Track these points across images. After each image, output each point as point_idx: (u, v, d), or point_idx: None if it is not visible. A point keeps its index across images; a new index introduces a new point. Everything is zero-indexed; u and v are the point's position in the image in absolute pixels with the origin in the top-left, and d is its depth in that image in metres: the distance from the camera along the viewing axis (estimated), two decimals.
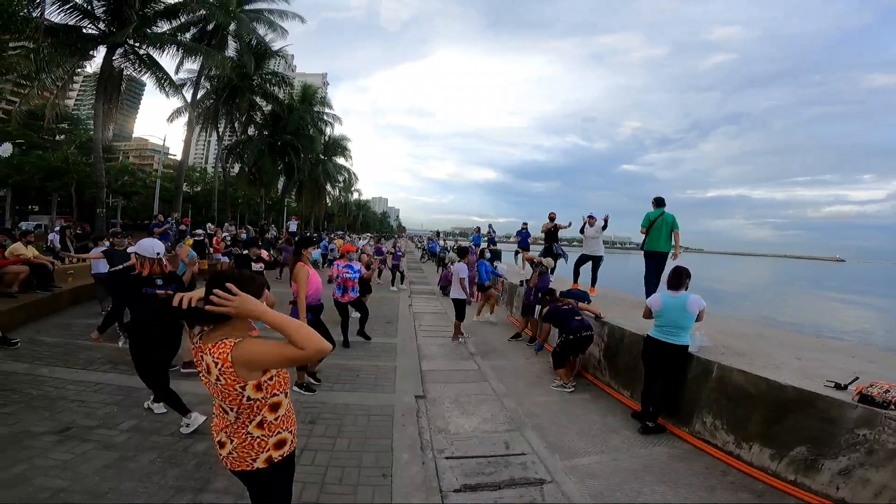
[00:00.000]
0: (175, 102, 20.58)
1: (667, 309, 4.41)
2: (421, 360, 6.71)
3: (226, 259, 13.46)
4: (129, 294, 4.01)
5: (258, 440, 1.77)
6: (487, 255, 12.78)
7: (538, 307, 7.41)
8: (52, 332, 6.66)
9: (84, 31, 16.16)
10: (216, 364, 1.64)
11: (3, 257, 7.18)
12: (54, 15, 14.91)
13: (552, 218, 10.91)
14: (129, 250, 5.63)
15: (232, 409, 1.72)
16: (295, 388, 5.04)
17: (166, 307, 4.08)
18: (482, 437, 4.31)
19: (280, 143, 30.84)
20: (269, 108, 29.57)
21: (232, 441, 1.76)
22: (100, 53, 16.96)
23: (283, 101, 29.69)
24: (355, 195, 49.95)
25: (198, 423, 3.98)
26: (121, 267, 5.31)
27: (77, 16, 15.73)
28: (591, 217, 8.63)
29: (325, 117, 36.51)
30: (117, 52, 17.24)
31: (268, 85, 27.88)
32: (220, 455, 1.81)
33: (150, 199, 32.21)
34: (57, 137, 33.64)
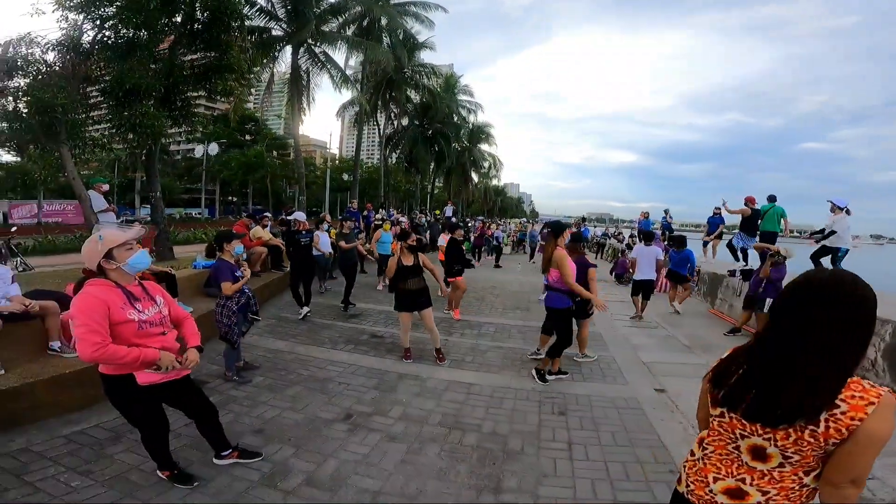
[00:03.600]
0: (341, 98, 21.92)
1: None
2: (636, 350, 6.20)
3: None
4: (291, 241, 7.07)
5: (807, 489, 1.23)
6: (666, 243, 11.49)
7: (768, 300, 6.51)
8: (290, 310, 7.22)
9: (272, 32, 17.70)
10: (844, 408, 1.12)
11: (250, 240, 8.00)
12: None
13: (751, 202, 9.37)
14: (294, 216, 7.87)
15: (788, 457, 1.20)
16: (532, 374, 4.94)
17: (307, 251, 7.09)
18: None
19: (431, 131, 31.75)
20: (418, 98, 30.40)
21: (766, 492, 1.24)
22: (284, 54, 18.50)
23: (434, 91, 30.36)
24: (494, 181, 49.99)
25: (305, 311, 6.89)
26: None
27: (265, 18, 17.23)
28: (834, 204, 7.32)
29: (467, 105, 36.65)
30: (300, 50, 18.65)
31: (418, 76, 28.60)
32: None
33: (319, 189, 35.60)
34: (246, 137, 38.88)
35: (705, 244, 12.67)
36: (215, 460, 3.06)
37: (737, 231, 9.82)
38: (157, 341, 2.48)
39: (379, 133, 29.83)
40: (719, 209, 11.59)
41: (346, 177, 46.53)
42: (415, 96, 30.22)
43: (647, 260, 7.95)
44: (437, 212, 25.99)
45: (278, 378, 4.70)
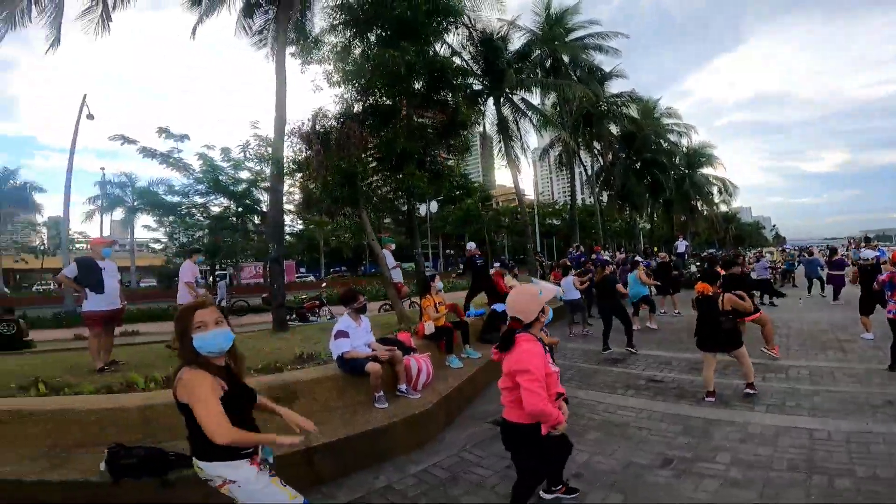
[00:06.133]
0: (534, 144, 22.56)
1: None
2: None
3: None
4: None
5: None
6: None
7: None
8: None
9: (474, 87, 18.80)
10: None
11: (504, 287, 8.88)
12: None
13: None
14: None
15: None
16: None
17: (483, 270, 9.35)
18: None
19: (640, 163, 30.58)
20: (618, 130, 29.62)
21: None
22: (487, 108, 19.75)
23: (637, 120, 29.37)
24: (722, 207, 44.76)
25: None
26: None
27: (465, 75, 18.68)
28: None
29: (675, 129, 34.23)
30: (501, 100, 19.74)
31: (615, 107, 28.06)
32: None
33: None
34: (456, 192, 43.43)
35: None
36: (543, 494, 3.31)
37: None
38: (559, 390, 2.86)
39: (585, 172, 30.02)
40: None
41: (548, 221, 47.78)
42: (614, 129, 29.60)
43: None
44: (655, 248, 24.43)
45: (572, 422, 4.88)
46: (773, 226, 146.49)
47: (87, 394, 4.53)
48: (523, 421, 2.67)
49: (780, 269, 18.82)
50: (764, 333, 6.90)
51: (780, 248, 30.03)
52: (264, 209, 17.70)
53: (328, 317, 10.68)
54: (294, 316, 11.01)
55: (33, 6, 11.10)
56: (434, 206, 25.48)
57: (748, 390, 5.18)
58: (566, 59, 23.97)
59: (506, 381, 2.75)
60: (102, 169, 30.41)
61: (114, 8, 11.72)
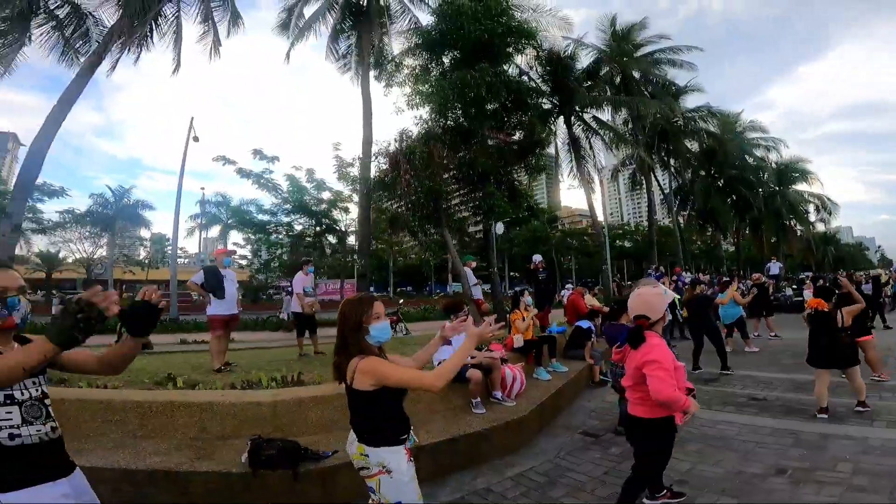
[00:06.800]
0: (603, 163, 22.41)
1: None
2: None
3: None
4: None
5: None
6: None
7: None
8: None
9: (543, 106, 18.90)
10: None
11: (585, 306, 8.96)
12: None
13: None
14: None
15: None
16: None
17: (545, 284, 9.04)
18: None
19: (722, 180, 29.24)
20: (696, 146, 28.58)
21: None
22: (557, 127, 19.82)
23: (718, 136, 28.18)
24: (820, 226, 41.41)
25: None
26: None
27: (534, 95, 17.90)
28: None
29: (762, 143, 32.40)
30: (571, 119, 19.73)
31: (692, 122, 27.16)
32: None
33: (597, 258, 36.38)
34: (522, 214, 43.64)
35: None
36: (647, 502, 3.37)
37: None
38: (688, 385, 3.01)
39: (661, 190, 29.13)
40: None
41: (618, 243, 46.67)
42: (692, 145, 28.58)
43: None
44: (741, 272, 23.19)
45: None
46: (879, 247, 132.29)
47: (220, 389, 5.05)
48: (649, 416, 2.81)
49: (889, 293, 17.24)
50: (868, 359, 6.35)
51: (891, 270, 27.42)
52: (341, 229, 18.86)
53: (404, 332, 11.15)
54: None
55: (154, 32, 12.82)
56: (500, 227, 25.53)
57: (859, 408, 5.08)
58: (636, 75, 23.69)
59: (631, 378, 2.90)
60: (202, 189, 33.38)
61: (227, 35, 13.30)
